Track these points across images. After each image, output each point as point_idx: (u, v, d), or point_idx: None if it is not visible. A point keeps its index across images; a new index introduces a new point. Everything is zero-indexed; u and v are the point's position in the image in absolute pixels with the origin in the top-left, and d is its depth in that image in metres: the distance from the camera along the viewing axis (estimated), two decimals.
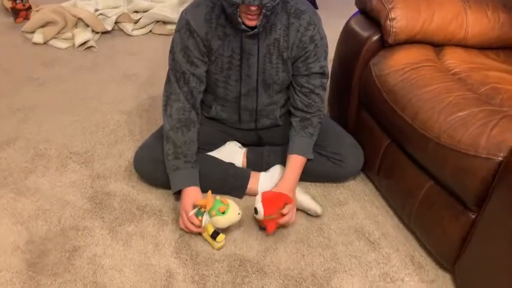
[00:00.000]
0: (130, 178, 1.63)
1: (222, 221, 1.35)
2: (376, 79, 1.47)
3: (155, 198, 1.56)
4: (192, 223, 1.37)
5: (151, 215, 1.50)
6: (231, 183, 1.54)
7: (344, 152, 1.54)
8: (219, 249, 1.38)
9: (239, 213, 1.37)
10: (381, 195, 1.59)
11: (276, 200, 1.34)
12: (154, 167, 1.51)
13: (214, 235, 1.36)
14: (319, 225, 1.48)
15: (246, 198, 1.57)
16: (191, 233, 1.40)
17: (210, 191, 1.37)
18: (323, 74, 1.46)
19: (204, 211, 1.35)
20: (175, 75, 1.43)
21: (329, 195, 1.59)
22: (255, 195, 1.55)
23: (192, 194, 1.41)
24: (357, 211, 1.53)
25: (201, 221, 1.36)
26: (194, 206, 1.38)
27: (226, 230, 1.40)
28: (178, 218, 1.47)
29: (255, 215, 1.37)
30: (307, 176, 1.52)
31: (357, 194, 1.60)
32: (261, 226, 1.41)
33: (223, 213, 1.34)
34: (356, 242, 1.42)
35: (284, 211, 1.36)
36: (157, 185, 1.58)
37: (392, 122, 1.41)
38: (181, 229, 1.42)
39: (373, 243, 1.42)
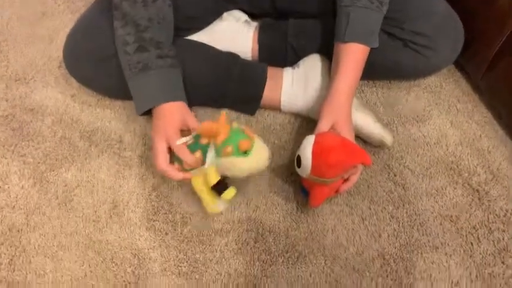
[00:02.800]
0: (68, 80, 0.99)
1: (243, 165, 0.72)
2: None
3: (111, 117, 0.94)
4: (179, 163, 0.76)
5: (105, 148, 0.90)
6: (235, 90, 0.90)
7: (433, 32, 0.86)
8: (215, 214, 0.81)
9: (269, 158, 0.75)
10: (485, 103, 0.96)
11: (339, 153, 0.72)
12: (96, 69, 0.86)
13: (219, 187, 0.74)
14: (385, 161, 0.88)
15: (261, 116, 0.95)
16: (174, 179, 0.78)
17: (224, 112, 0.73)
18: None
19: (208, 144, 0.74)
20: None
21: (398, 104, 0.96)
22: (276, 109, 0.93)
23: (177, 113, 0.78)
24: (446, 132, 0.92)
25: (198, 158, 0.74)
26: (184, 135, 0.76)
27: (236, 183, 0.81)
28: (149, 156, 0.88)
29: (296, 167, 0.76)
30: (365, 72, 0.85)
31: (444, 99, 0.97)
32: (303, 188, 0.81)
33: (245, 152, 0.72)
34: (449, 190, 0.85)
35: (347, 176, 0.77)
36: (111, 96, 0.95)
37: None
38: (160, 172, 0.78)
39: (477, 191, 0.85)
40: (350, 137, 0.77)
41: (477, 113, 0.95)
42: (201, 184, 0.76)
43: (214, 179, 0.74)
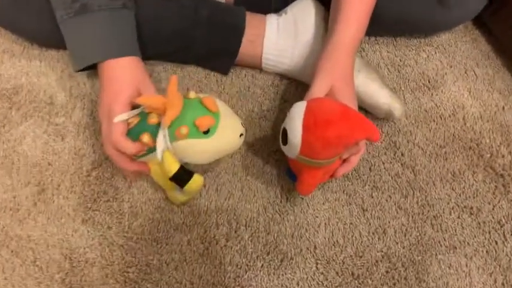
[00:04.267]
0: None
1: (205, 149, 0.54)
2: None
3: (39, 71, 0.72)
4: (124, 148, 0.56)
5: (30, 111, 0.68)
6: (203, 39, 0.69)
7: None
8: (183, 203, 0.63)
9: (241, 134, 0.56)
10: (508, 68, 0.79)
11: (339, 126, 0.53)
12: (17, 6, 0.64)
13: (181, 177, 0.55)
14: (390, 136, 0.71)
15: (237, 76, 0.75)
16: (126, 171, 0.58)
17: (174, 77, 0.52)
18: None
19: (157, 124, 0.54)
20: None
21: (405, 66, 0.78)
22: (256, 67, 0.74)
23: (127, 78, 0.56)
24: (463, 102, 0.75)
25: (147, 144, 0.54)
26: (133, 107, 0.56)
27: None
28: (88, 123, 0.67)
29: (281, 144, 0.57)
30: (370, 25, 0.67)
31: (460, 62, 0.79)
32: (289, 170, 0.62)
33: (206, 132, 0.53)
34: (468, 175, 0.69)
35: (346, 156, 0.58)
36: (41, 43, 0.73)
37: None
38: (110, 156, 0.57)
39: (502, 176, 0.69)
40: (352, 104, 0.59)
41: (499, 79, 0.78)
42: (160, 174, 0.57)
43: (172, 168, 0.54)
